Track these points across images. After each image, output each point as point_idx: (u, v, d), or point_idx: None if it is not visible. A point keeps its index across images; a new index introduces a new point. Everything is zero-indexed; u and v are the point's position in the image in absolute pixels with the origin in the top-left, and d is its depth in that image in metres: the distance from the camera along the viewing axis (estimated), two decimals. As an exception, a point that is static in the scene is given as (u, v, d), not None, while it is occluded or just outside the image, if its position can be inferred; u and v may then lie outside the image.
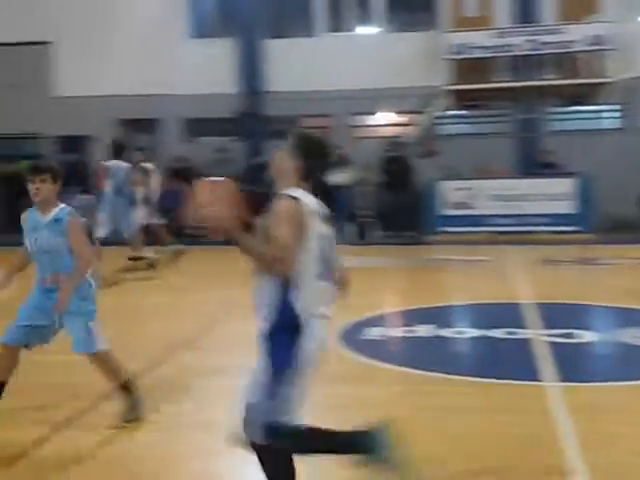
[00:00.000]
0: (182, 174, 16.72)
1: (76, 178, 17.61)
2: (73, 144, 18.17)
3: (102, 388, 5.24)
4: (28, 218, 4.94)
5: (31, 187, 4.85)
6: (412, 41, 17.26)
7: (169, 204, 15.41)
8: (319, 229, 3.30)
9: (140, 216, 11.71)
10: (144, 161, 12.56)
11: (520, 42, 16.36)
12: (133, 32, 17.55)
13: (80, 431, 4.92)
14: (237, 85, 17.73)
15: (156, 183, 12.78)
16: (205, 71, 17.21)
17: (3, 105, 17.96)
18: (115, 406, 5.06)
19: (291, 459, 3.36)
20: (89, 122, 17.65)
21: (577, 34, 16.10)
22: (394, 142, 16.36)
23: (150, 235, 12.02)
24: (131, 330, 7.74)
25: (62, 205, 4.96)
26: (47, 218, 4.87)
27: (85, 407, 5.34)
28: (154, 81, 17.16)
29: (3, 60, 17.90)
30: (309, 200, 3.26)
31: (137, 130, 18.27)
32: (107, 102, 17.41)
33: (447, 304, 8.94)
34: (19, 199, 17.10)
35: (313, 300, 3.24)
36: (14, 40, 17.72)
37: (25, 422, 5.07)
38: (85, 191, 17.21)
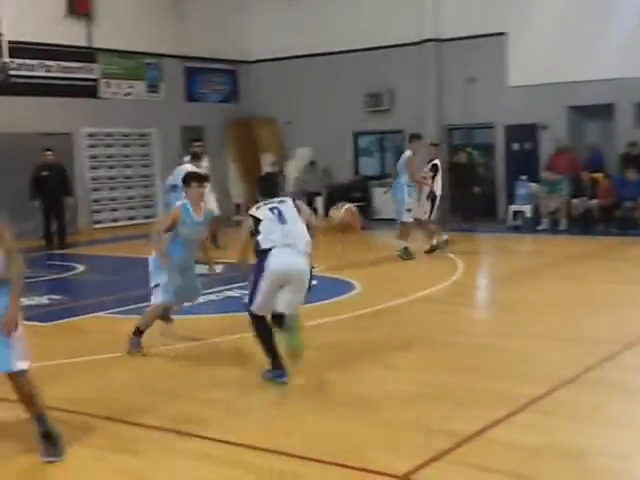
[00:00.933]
0: (635, 160, 16.03)
1: (524, 166, 17.91)
2: (522, 132, 18.44)
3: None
4: None
5: None
6: None
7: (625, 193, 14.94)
8: None
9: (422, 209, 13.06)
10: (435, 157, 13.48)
11: None
12: (580, 14, 17.14)
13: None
14: None
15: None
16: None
17: (461, 97, 18.93)
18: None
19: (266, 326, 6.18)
20: (539, 110, 17.75)
21: None
22: None
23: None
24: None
25: None
26: None
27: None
28: (606, 65, 16.58)
29: (460, 54, 18.83)
30: None
31: (587, 116, 17.89)
32: (557, 89, 17.32)
33: None
34: (468, 186, 17.88)
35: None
36: (473, 33, 18.50)
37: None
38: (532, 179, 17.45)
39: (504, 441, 4.81)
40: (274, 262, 5.95)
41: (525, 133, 18.39)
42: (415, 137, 13.50)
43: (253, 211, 6.20)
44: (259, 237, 6.03)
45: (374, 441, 4.86)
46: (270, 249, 5.98)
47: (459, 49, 18.84)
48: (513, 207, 17.55)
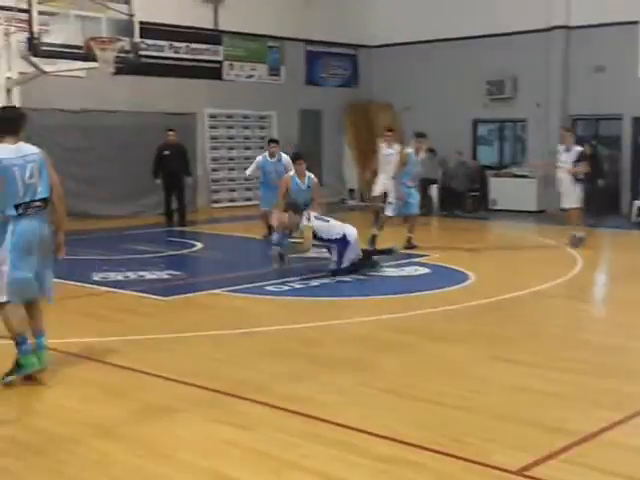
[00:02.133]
0: None
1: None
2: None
3: None
4: None
5: None
6: None
7: None
8: None
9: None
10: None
11: None
12: None
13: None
14: None
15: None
16: None
17: (588, 87, 18.30)
18: None
19: None
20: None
21: None
22: None
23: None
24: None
25: None
26: None
27: None
28: None
29: (589, 42, 18.18)
30: None
31: None
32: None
33: None
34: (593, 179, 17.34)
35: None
36: (604, 21, 17.82)
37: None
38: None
39: (622, 444, 4.65)
40: None
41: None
42: (420, 136, 13.21)
43: None
44: None
45: (489, 434, 4.79)
46: None
47: (588, 37, 18.20)
48: (638, 202, 16.87)
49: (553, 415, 5.11)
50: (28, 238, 5.62)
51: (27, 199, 5.62)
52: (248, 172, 14.64)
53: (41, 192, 5.71)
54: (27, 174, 5.63)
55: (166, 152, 15.88)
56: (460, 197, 18.93)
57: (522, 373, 6.10)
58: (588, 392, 5.60)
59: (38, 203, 5.69)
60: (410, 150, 12.84)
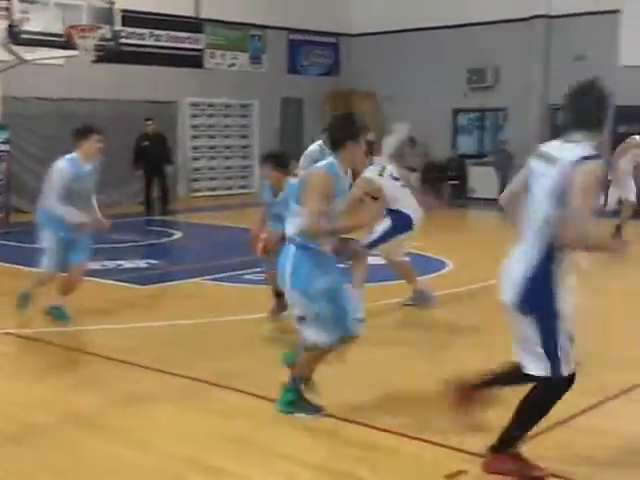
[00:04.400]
0: None
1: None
2: (632, 114, 17.77)
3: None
4: None
5: None
6: None
7: None
8: None
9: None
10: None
11: None
12: None
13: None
14: None
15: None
16: None
17: (569, 76, 18.35)
18: None
19: None
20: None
21: None
22: None
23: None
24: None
25: None
26: None
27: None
28: None
29: (570, 31, 18.26)
30: None
31: None
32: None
33: None
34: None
35: None
36: (585, 10, 17.88)
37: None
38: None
39: (594, 428, 4.73)
40: None
41: (635, 115, 17.71)
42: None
43: None
44: None
45: (464, 421, 4.84)
46: None
47: (570, 26, 18.25)
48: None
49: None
50: None
51: None
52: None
53: None
54: None
55: (145, 143, 15.81)
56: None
57: (495, 360, 6.14)
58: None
59: None
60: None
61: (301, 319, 4.76)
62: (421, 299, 7.82)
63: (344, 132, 4.71)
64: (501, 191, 4.63)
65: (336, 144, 4.72)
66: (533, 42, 18.97)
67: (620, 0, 17.33)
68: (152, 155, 15.79)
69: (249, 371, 5.82)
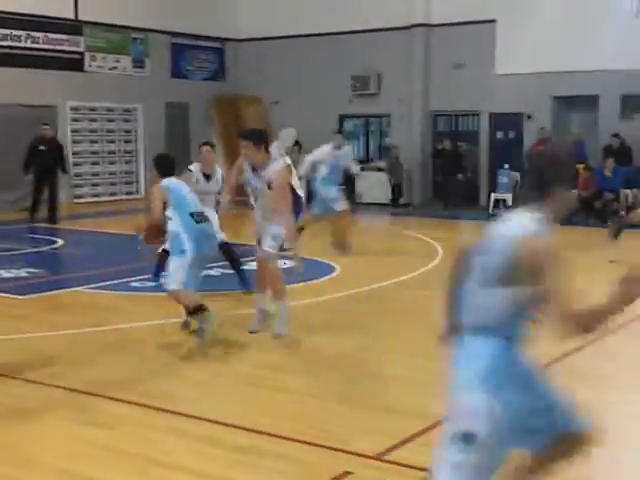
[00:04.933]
0: (616, 152, 16.15)
1: (507, 154, 17.99)
2: (507, 121, 18.51)
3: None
4: None
5: None
6: None
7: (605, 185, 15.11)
8: None
9: None
10: None
11: None
12: (569, 5, 17.18)
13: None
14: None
15: None
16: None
17: (448, 84, 18.93)
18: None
19: None
20: (525, 99, 17.80)
21: None
22: None
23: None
24: None
25: None
26: None
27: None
28: (593, 57, 16.65)
29: (449, 40, 18.81)
30: None
31: (572, 107, 17.98)
32: (543, 79, 17.37)
33: None
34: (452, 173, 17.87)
35: None
36: (463, 19, 18.46)
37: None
38: (514, 168, 17.54)
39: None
40: None
41: (510, 122, 18.46)
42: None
43: None
44: None
45: (350, 422, 4.91)
46: None
47: (448, 35, 18.83)
48: (494, 195, 17.65)
49: (411, 401, 5.30)
50: None
51: None
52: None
53: None
54: None
55: (42, 147, 15.23)
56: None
57: (385, 361, 6.28)
58: (443, 376, 5.81)
59: None
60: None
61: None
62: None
63: None
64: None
65: None
66: (414, 50, 19.46)
67: (496, 10, 18.01)
68: (47, 161, 15.21)
69: (128, 380, 5.72)
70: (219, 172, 8.78)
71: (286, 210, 6.67)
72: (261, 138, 6.75)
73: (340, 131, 13.74)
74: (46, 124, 15.62)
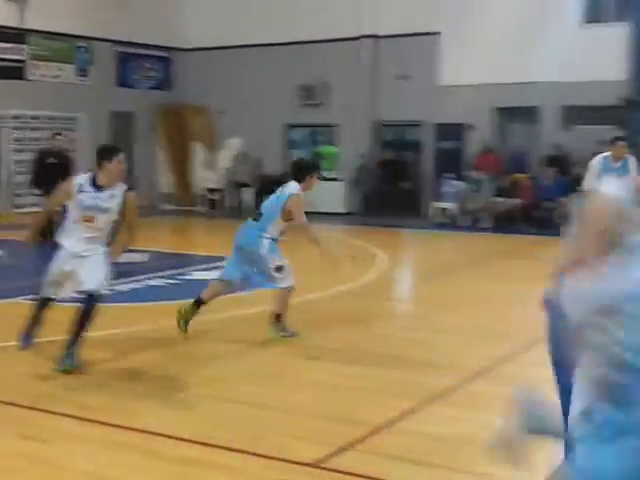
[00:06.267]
0: (557, 162, 16.46)
1: (450, 164, 18.22)
2: (450, 132, 18.74)
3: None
4: None
5: None
6: None
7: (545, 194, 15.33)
8: None
9: None
10: None
11: None
12: (512, 19, 17.52)
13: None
14: (626, 71, 16.74)
15: None
16: (592, 57, 16.52)
17: (394, 95, 19.10)
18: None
19: None
20: (467, 110, 18.05)
21: None
22: None
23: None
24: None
25: None
26: None
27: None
28: (534, 69, 16.99)
29: (396, 51, 18.99)
30: None
31: (514, 118, 18.31)
32: (484, 90, 17.65)
33: None
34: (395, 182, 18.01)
35: None
36: (409, 31, 18.67)
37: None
38: (457, 177, 17.78)
39: (413, 430, 4.92)
40: None
41: (453, 132, 18.70)
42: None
43: None
44: None
45: (290, 431, 4.90)
46: None
47: (395, 46, 19.02)
48: (436, 204, 17.85)
49: (349, 408, 5.32)
50: None
51: None
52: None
53: None
54: None
55: (51, 160, 14.87)
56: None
57: (317, 368, 6.29)
58: (382, 383, 5.86)
59: None
60: None
61: None
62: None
63: None
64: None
65: None
66: (361, 61, 19.60)
67: (440, 23, 18.26)
68: (54, 176, 14.79)
69: (66, 393, 5.63)
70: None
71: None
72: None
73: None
74: (59, 133, 15.05)
